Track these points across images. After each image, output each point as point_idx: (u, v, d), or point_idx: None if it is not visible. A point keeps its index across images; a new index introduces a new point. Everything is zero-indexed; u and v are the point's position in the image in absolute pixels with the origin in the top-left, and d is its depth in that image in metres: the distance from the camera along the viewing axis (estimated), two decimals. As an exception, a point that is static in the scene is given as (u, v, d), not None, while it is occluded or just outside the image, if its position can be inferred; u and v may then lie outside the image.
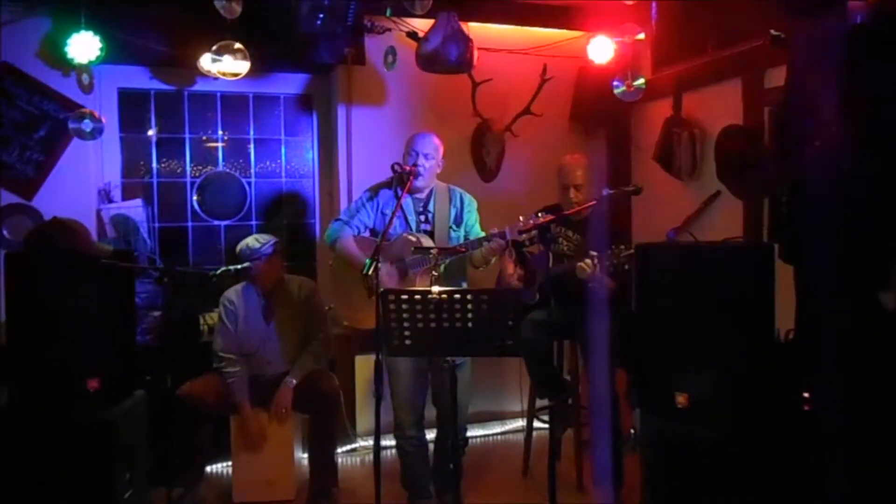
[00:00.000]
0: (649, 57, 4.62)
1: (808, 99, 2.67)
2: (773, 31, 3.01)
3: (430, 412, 3.40)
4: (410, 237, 3.23)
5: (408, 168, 3.17)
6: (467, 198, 3.43)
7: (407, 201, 3.31)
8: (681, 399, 2.62)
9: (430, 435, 3.46)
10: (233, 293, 3.65)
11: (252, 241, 3.55)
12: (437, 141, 3.35)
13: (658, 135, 4.39)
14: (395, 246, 3.25)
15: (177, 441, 3.40)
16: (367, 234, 3.40)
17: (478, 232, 3.33)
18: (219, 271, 3.39)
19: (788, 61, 2.94)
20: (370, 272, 2.75)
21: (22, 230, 3.84)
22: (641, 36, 4.19)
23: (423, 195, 3.36)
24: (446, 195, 3.38)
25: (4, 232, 3.94)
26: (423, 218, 3.34)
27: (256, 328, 3.61)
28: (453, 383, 2.67)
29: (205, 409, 3.44)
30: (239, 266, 3.46)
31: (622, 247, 3.15)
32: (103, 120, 4.00)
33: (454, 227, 3.35)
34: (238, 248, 3.58)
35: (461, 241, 3.30)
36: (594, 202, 3.14)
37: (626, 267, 3.13)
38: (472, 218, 3.40)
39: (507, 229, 3.03)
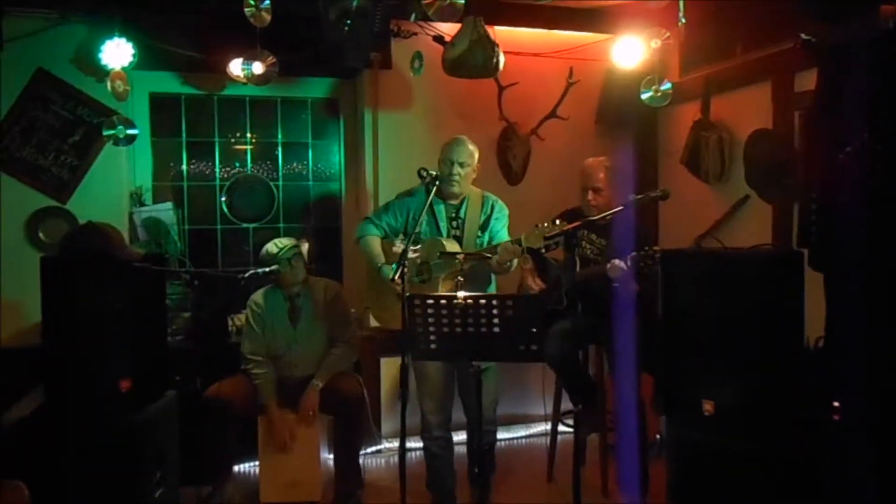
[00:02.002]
0: (677, 59, 4.59)
1: (839, 104, 2.63)
2: (803, 35, 2.97)
3: (460, 415, 3.42)
4: (443, 241, 3.26)
5: (434, 174, 3.17)
6: (499, 205, 3.43)
7: (440, 207, 3.36)
8: (707, 407, 2.60)
9: (457, 437, 3.48)
10: (259, 296, 3.70)
11: (272, 246, 3.61)
12: (471, 147, 3.36)
13: (686, 138, 4.35)
14: (421, 250, 3.28)
15: (205, 441, 3.45)
16: (396, 238, 3.44)
17: (502, 238, 3.34)
18: (247, 274, 3.44)
19: (819, 65, 2.90)
20: (395, 277, 2.78)
21: (57, 233, 3.93)
22: (669, 38, 4.15)
23: (456, 201, 3.39)
24: (479, 202, 3.39)
25: (41, 234, 4.04)
26: (454, 224, 3.37)
27: (283, 330, 3.66)
28: (478, 387, 2.69)
29: (232, 410, 3.48)
30: (266, 269, 3.50)
31: (650, 249, 3.15)
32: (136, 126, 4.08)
33: (480, 232, 3.37)
34: (260, 253, 3.65)
35: (485, 245, 3.31)
36: (621, 208, 3.12)
37: (655, 266, 3.12)
38: (498, 224, 3.40)
39: (521, 237, 3.02)
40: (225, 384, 3.52)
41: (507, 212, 3.47)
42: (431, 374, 3.31)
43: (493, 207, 3.42)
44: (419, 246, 3.30)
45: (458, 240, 3.32)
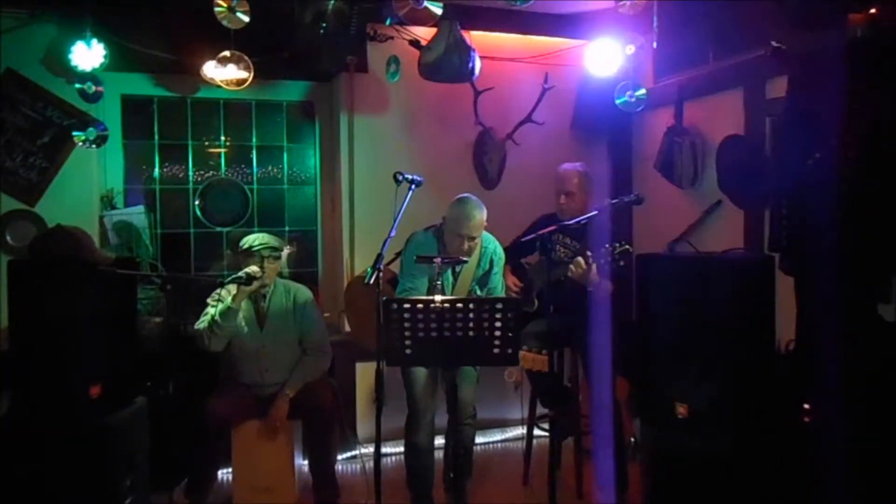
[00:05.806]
0: (651, 66, 4.64)
1: (809, 110, 2.68)
2: (773, 43, 3.02)
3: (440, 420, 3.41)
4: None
5: (411, 178, 3.11)
6: (496, 256, 3.41)
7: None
8: (681, 409, 2.63)
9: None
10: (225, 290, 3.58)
11: (254, 237, 3.51)
12: (481, 215, 3.21)
13: (659, 143, 4.40)
14: None
15: (203, 456, 3.47)
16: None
17: (498, 290, 3.37)
18: (227, 281, 3.39)
19: (789, 72, 2.95)
20: (371, 281, 2.77)
21: (25, 236, 3.86)
22: (642, 45, 4.20)
23: None
24: (478, 252, 3.35)
25: (8, 238, 3.96)
26: (451, 274, 3.34)
27: (250, 332, 3.57)
28: (453, 390, 2.69)
29: (233, 424, 3.44)
30: (244, 274, 3.42)
31: (617, 244, 3.14)
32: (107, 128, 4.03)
33: (478, 288, 3.39)
34: (248, 241, 3.52)
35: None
36: (595, 212, 3.14)
37: (622, 263, 3.12)
38: (496, 279, 3.41)
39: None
40: (220, 401, 3.45)
41: (504, 260, 3.47)
42: (420, 374, 3.31)
43: (491, 261, 3.38)
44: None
45: (451, 287, 3.32)
